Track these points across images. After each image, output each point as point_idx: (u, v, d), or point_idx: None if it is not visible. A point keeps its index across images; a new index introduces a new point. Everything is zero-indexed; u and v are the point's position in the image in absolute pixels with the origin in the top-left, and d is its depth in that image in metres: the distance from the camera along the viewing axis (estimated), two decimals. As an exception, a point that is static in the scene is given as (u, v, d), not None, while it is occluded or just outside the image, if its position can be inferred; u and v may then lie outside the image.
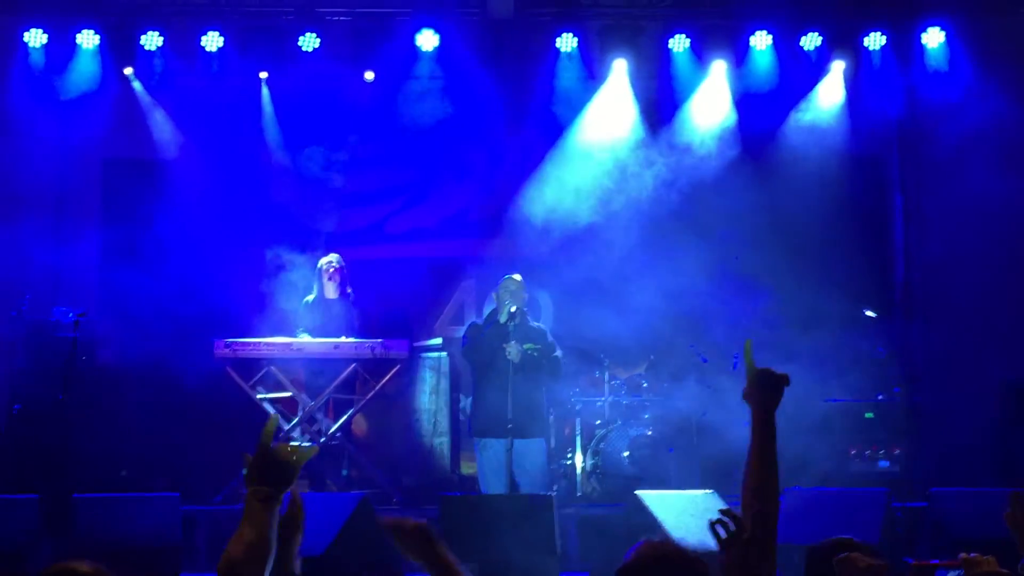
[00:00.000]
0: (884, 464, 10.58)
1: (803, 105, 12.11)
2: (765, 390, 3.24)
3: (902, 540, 8.48)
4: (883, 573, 2.94)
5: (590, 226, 11.49)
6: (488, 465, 9.24)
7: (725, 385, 11.15)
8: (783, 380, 3.26)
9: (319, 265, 10.60)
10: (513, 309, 9.20)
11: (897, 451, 10.43)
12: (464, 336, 9.69)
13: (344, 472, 10.32)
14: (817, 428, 10.78)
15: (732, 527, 2.99)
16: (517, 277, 9.48)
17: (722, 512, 3.05)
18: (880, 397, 10.61)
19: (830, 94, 12.08)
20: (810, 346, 10.70)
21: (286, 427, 10.24)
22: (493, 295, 9.60)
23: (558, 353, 9.46)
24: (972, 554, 3.23)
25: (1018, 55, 11.62)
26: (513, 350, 9.05)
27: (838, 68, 11.98)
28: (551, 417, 10.32)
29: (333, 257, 10.63)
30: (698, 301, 11.19)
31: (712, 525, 3.01)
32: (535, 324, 9.54)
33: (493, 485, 9.08)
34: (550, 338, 9.47)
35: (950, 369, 11.34)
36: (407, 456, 11.01)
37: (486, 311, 12.28)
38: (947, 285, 11.69)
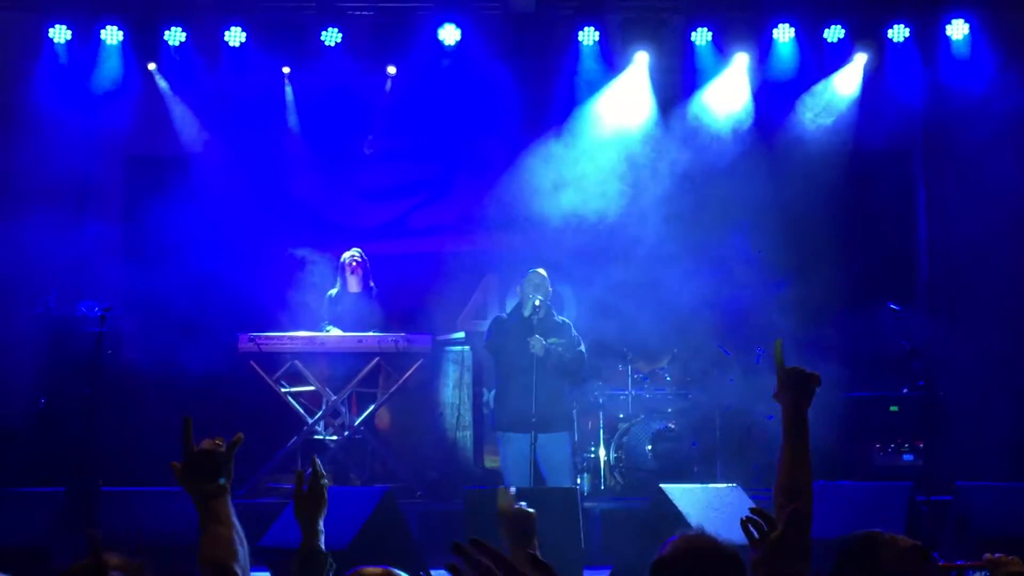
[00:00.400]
0: (908, 458, 10.54)
1: (824, 98, 12.05)
2: (796, 389, 3.24)
3: (926, 534, 8.45)
4: (926, 555, 2.93)
5: (611, 219, 11.47)
6: (511, 459, 9.24)
7: (748, 379, 11.16)
8: (814, 379, 3.27)
9: (342, 259, 10.63)
10: (537, 303, 9.19)
11: (921, 445, 10.39)
12: (488, 330, 9.69)
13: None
14: (841, 422, 10.75)
15: (764, 526, 2.98)
16: (541, 271, 9.47)
17: (753, 511, 3.05)
18: (904, 391, 10.57)
19: (848, 86, 12.02)
20: (834, 340, 10.69)
21: (310, 421, 10.28)
22: (518, 289, 9.59)
23: (582, 348, 9.43)
24: (996, 554, 3.21)
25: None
26: (537, 344, 9.04)
27: (860, 60, 11.92)
28: (575, 411, 10.31)
29: (355, 251, 10.66)
30: (720, 295, 11.17)
31: (744, 523, 3.00)
32: (559, 318, 9.52)
33: (516, 479, 9.07)
34: (574, 332, 9.44)
35: (974, 363, 11.29)
36: (430, 450, 11.03)
37: (509, 305, 12.29)
38: (971, 279, 11.63)
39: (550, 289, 9.45)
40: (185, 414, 3.07)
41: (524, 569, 2.15)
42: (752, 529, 2.99)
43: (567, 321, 9.53)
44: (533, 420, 8.89)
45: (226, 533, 2.79)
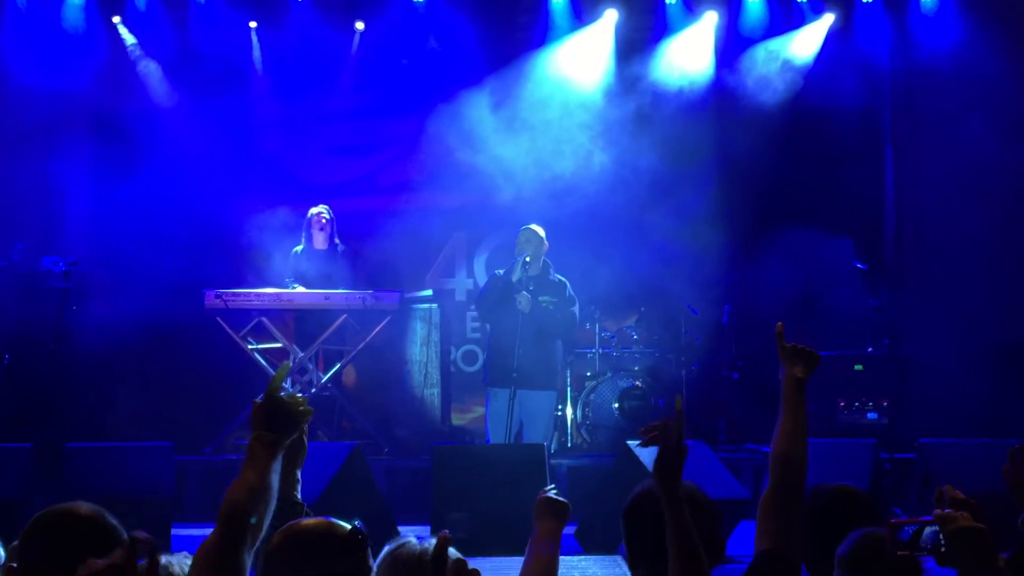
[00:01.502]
0: (872, 416, 10.64)
1: (792, 55, 12.05)
2: (798, 367, 3.38)
3: (890, 491, 8.55)
4: (916, 567, 2.99)
5: (575, 176, 11.44)
6: (493, 414, 9.24)
7: (714, 337, 11.23)
8: (814, 355, 3.45)
9: (308, 215, 10.58)
10: (528, 259, 9.13)
11: (886, 403, 10.48)
12: (483, 287, 9.65)
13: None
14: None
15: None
16: (535, 227, 9.37)
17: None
18: (870, 350, 10.66)
19: (810, 45, 12.01)
20: (800, 298, 10.75)
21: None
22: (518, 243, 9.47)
23: (575, 308, 9.38)
24: (947, 510, 3.26)
25: (1012, 8, 11.56)
26: (523, 300, 8.98)
27: (826, 20, 11.91)
28: (567, 371, 10.28)
29: (322, 208, 10.60)
30: (688, 253, 11.19)
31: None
32: (556, 277, 9.42)
33: (495, 434, 9.10)
34: (569, 292, 9.35)
35: (939, 322, 11.37)
36: (398, 407, 11.04)
37: (478, 264, 12.29)
38: (938, 238, 11.70)
39: (546, 245, 9.35)
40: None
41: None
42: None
43: (563, 280, 9.42)
44: (514, 375, 8.87)
45: (259, 484, 2.77)
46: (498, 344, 9.25)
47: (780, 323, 3.53)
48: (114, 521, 2.80)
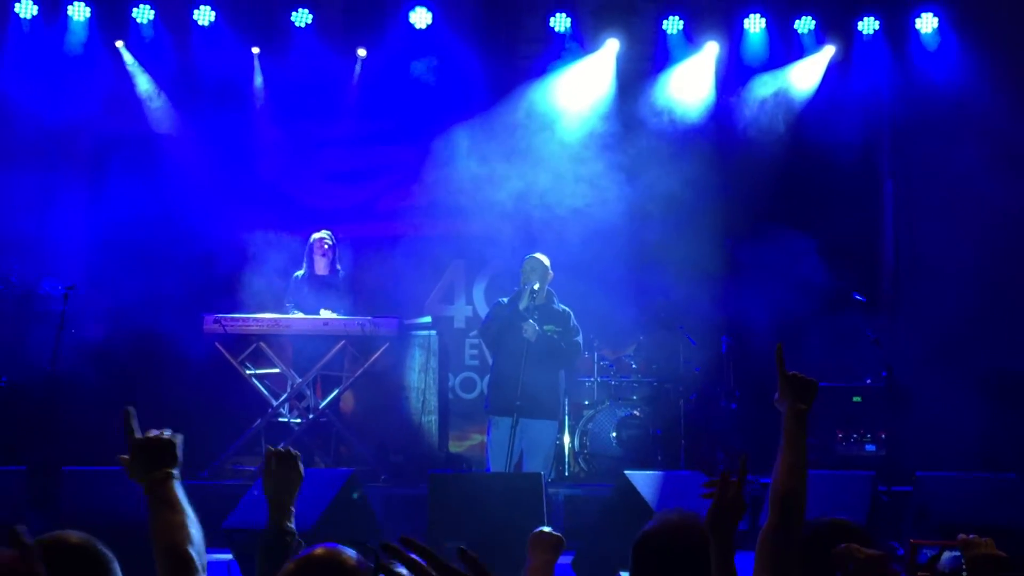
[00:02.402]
0: (871, 448, 10.63)
1: (792, 87, 12.09)
2: (797, 394, 3.31)
3: (887, 523, 8.52)
4: (884, 564, 2.98)
5: (574, 205, 11.45)
6: (494, 442, 9.20)
7: (713, 368, 11.22)
8: (813, 385, 3.37)
9: (310, 241, 10.58)
10: (536, 287, 9.11)
11: (883, 435, 10.47)
12: (486, 315, 9.62)
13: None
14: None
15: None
16: (541, 256, 9.34)
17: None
18: (868, 381, 10.65)
19: (810, 77, 12.05)
20: (799, 329, 10.74)
21: (274, 403, 10.25)
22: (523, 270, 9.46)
23: (579, 338, 9.34)
24: (971, 535, 3.27)
25: (1011, 41, 11.61)
26: (529, 329, 8.95)
27: (827, 52, 11.96)
28: (566, 400, 10.27)
29: (324, 233, 10.61)
30: (687, 283, 11.20)
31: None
32: (560, 307, 9.39)
33: (496, 462, 9.07)
34: (573, 322, 9.31)
35: (937, 355, 11.37)
36: (395, 434, 11.01)
37: (476, 292, 12.29)
38: (936, 270, 11.71)
39: (551, 274, 9.34)
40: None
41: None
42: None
43: (567, 310, 9.38)
44: (517, 403, 8.83)
45: (177, 518, 2.77)
46: (501, 372, 9.21)
47: (780, 344, 3.47)
48: (104, 549, 2.78)
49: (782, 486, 3.26)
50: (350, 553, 2.68)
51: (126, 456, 2.88)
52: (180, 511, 2.79)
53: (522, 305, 9.04)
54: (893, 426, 10.13)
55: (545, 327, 9.05)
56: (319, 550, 2.69)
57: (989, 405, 11.12)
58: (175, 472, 2.88)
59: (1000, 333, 11.39)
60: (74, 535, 2.81)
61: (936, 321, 11.52)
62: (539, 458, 9.19)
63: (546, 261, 9.29)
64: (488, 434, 9.45)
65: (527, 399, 8.86)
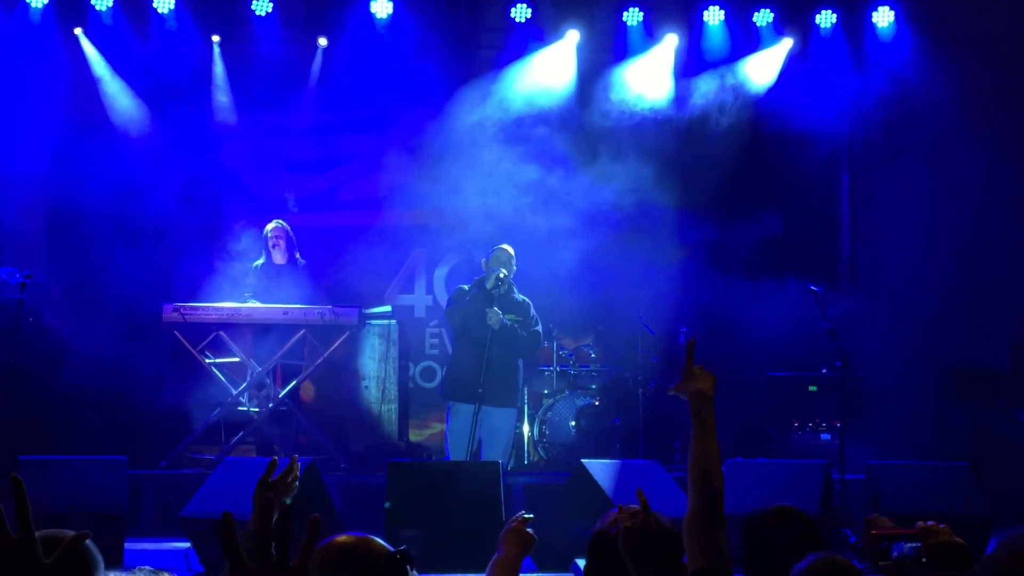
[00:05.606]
0: (826, 437, 10.75)
1: (751, 79, 12.17)
2: (696, 387, 3.41)
3: (840, 511, 8.63)
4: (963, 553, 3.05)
5: (534, 195, 11.46)
6: (454, 430, 9.22)
7: (671, 357, 11.30)
8: (714, 380, 3.46)
9: (264, 231, 10.59)
10: (502, 275, 9.14)
11: (839, 424, 10.59)
12: (449, 298, 9.63)
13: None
14: (761, 401, 10.94)
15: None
16: (508, 247, 9.39)
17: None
18: (823, 371, 10.77)
19: (769, 70, 12.15)
20: (755, 319, 10.84)
21: (234, 392, 10.25)
22: (483, 262, 9.48)
23: (539, 328, 9.39)
24: (929, 523, 3.33)
25: (966, 35, 11.74)
26: (494, 317, 8.97)
27: (784, 45, 12.06)
28: (524, 388, 10.29)
29: (277, 223, 10.61)
30: (646, 272, 11.27)
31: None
32: (520, 297, 9.43)
33: (455, 450, 9.10)
34: (532, 312, 9.35)
35: (893, 344, 11.51)
36: (355, 422, 11.04)
37: (437, 280, 12.31)
38: (892, 263, 11.85)
39: (515, 267, 9.39)
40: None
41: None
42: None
43: (527, 300, 9.43)
44: (480, 391, 8.87)
45: None
46: (462, 359, 9.23)
47: (693, 339, 3.58)
48: (96, 550, 2.71)
49: (703, 468, 3.32)
50: (375, 540, 2.68)
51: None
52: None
53: (489, 284, 9.08)
54: (849, 416, 10.23)
55: (506, 316, 9.10)
56: (342, 537, 2.66)
57: (941, 396, 11.28)
58: None
59: (954, 326, 11.53)
60: (69, 534, 2.80)
61: (892, 312, 11.66)
62: (498, 446, 9.23)
63: (512, 252, 9.35)
64: (447, 421, 9.47)
65: (489, 387, 8.90)
